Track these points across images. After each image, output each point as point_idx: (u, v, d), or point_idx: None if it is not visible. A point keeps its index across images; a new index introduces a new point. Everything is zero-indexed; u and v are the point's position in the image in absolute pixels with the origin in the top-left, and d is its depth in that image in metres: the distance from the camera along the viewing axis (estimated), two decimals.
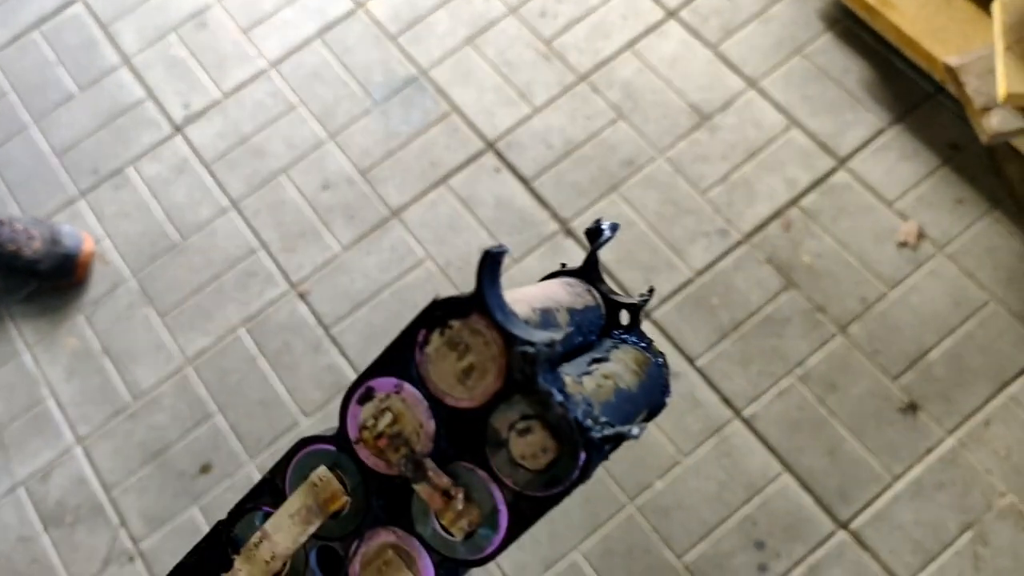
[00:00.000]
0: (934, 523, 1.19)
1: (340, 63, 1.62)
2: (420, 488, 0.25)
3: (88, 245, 1.50)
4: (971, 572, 1.16)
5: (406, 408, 0.25)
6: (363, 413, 0.26)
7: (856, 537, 1.19)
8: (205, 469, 1.34)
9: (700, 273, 1.36)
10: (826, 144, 1.43)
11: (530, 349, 0.24)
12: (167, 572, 0.29)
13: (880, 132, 1.43)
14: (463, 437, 0.25)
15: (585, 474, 0.23)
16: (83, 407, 1.41)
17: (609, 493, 1.25)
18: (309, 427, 1.34)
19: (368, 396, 0.26)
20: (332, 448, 0.26)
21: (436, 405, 0.25)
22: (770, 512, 1.22)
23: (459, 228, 1.45)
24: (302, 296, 1.44)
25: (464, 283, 1.41)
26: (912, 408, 1.25)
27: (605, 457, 0.24)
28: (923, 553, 1.18)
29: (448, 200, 1.48)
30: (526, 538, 1.11)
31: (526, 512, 0.24)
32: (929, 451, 1.23)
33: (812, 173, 1.41)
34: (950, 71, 1.27)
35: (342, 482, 0.26)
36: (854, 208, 1.38)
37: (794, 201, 1.40)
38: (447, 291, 1.41)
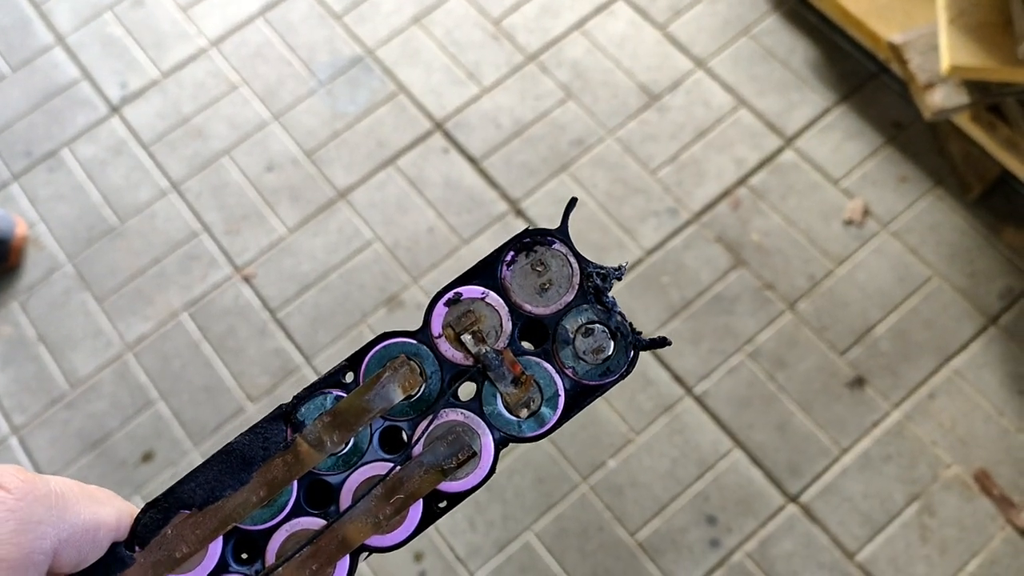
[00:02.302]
0: (881, 495, 1.21)
1: (283, 42, 1.59)
2: (495, 374, 0.31)
3: (21, 229, 1.44)
4: (918, 542, 1.18)
5: (489, 311, 0.31)
6: (448, 314, 0.31)
7: (806, 510, 1.20)
8: (147, 457, 1.30)
9: (650, 252, 1.36)
10: (773, 124, 1.44)
11: (602, 270, 0.32)
12: (215, 451, 0.30)
13: (826, 112, 1.44)
14: (534, 337, 0.32)
15: (631, 367, 0.31)
16: (18, 396, 1.36)
17: (562, 473, 1.24)
18: (256, 412, 1.31)
19: (456, 300, 0.31)
20: (413, 341, 0.31)
21: (515, 312, 0.31)
22: (722, 487, 1.22)
23: (407, 209, 1.43)
24: (247, 279, 1.41)
25: (413, 264, 1.39)
26: (859, 382, 1.27)
27: (634, 363, 0.32)
28: (871, 524, 1.19)
29: (396, 181, 1.45)
30: (480, 520, 1.10)
31: (580, 396, 0.31)
32: (876, 424, 1.24)
33: (760, 152, 1.42)
34: (894, 48, 1.28)
35: (420, 369, 0.31)
36: (801, 187, 1.39)
37: (742, 180, 1.40)
38: (396, 272, 1.39)
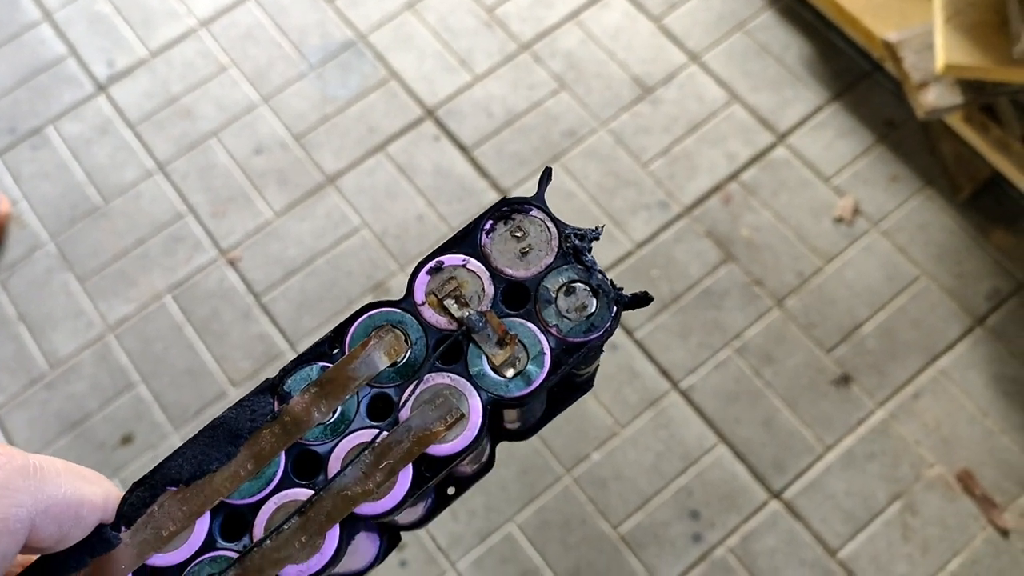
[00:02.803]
0: (865, 493, 1.21)
1: (275, 24, 1.57)
2: (479, 336, 0.31)
3: (3, 207, 1.42)
4: (900, 541, 1.18)
5: (471, 277, 0.32)
6: (431, 282, 0.32)
7: (789, 507, 1.20)
8: (127, 440, 1.28)
9: (640, 245, 1.36)
10: (766, 120, 1.43)
11: (580, 231, 0.33)
12: (206, 424, 0.30)
13: (819, 109, 1.44)
14: (517, 301, 0.32)
15: (615, 323, 0.31)
16: None
17: (546, 464, 1.24)
18: (238, 397, 1.30)
19: (438, 268, 0.32)
20: (397, 310, 0.32)
21: (496, 277, 0.32)
22: (705, 482, 1.22)
23: (396, 196, 1.42)
24: (232, 263, 1.39)
25: (401, 252, 1.38)
26: (845, 380, 1.27)
27: (618, 319, 0.32)
28: (853, 522, 1.19)
29: (386, 167, 1.44)
30: (462, 511, 1.09)
31: (566, 353, 0.31)
32: (861, 423, 1.24)
33: (752, 148, 1.42)
34: (888, 47, 1.28)
35: (405, 336, 0.31)
36: (792, 183, 1.39)
37: (734, 175, 1.40)
38: (383, 260, 1.38)
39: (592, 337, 0.31)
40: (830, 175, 1.39)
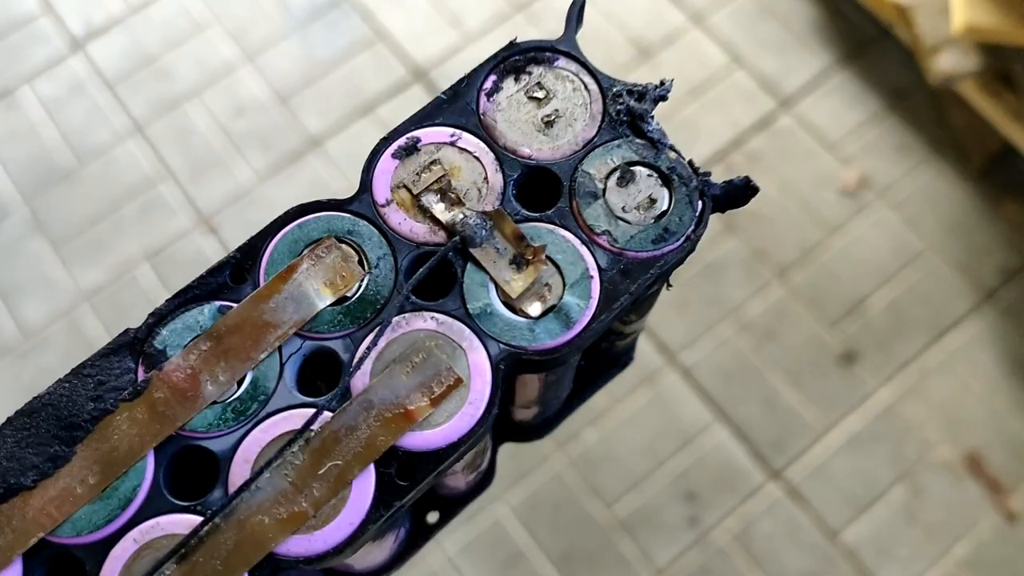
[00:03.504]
0: (867, 474, 1.16)
1: None
2: (483, 252, 0.18)
3: None
4: (904, 524, 1.14)
5: (464, 161, 0.19)
6: (400, 170, 0.20)
7: (789, 488, 1.16)
8: None
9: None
10: (771, 86, 1.38)
11: (637, 87, 0.20)
12: (20, 407, 0.19)
13: (825, 75, 1.38)
14: (541, 196, 0.19)
15: (700, 226, 0.19)
16: None
17: (535, 443, 1.19)
18: None
19: (411, 149, 0.20)
20: (345, 214, 0.19)
21: (505, 160, 0.19)
22: (703, 463, 1.17)
23: None
24: (212, 230, 1.33)
25: None
26: (849, 358, 1.22)
27: (705, 221, 0.19)
28: (856, 504, 1.15)
29: (373, 131, 1.38)
30: None
31: (627, 277, 0.18)
32: (865, 401, 1.20)
33: (755, 115, 1.36)
34: (901, 10, 1.22)
35: (360, 254, 0.19)
36: (797, 152, 1.33)
37: (737, 143, 1.34)
38: None
39: (667, 249, 0.19)
40: (836, 144, 1.33)
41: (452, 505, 0.25)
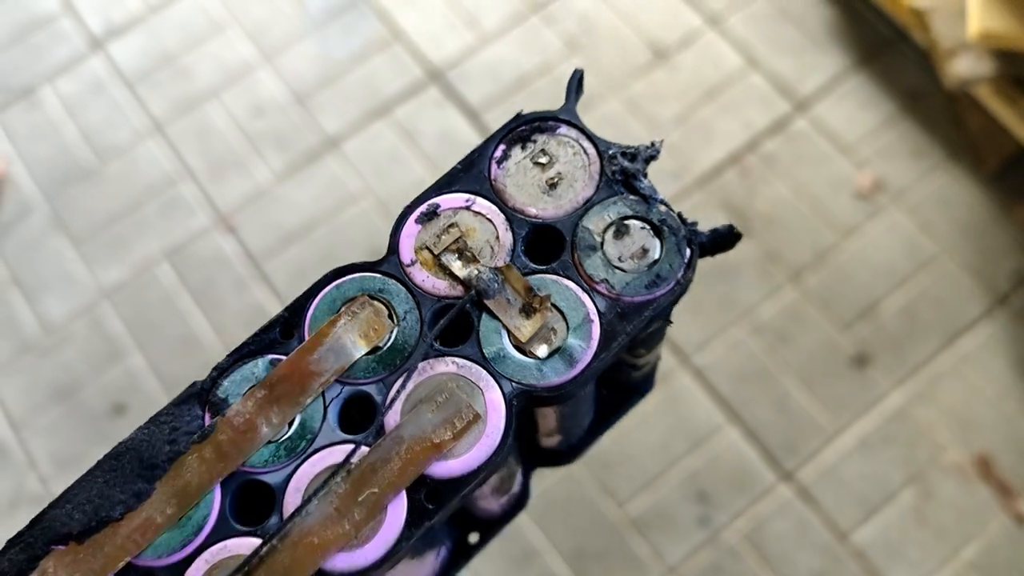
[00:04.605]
0: (879, 477, 1.17)
1: None
2: (495, 303, 0.22)
3: None
4: (914, 526, 1.15)
5: (478, 222, 0.22)
6: (423, 233, 0.23)
7: (800, 489, 1.17)
8: (119, 410, 1.25)
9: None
10: (786, 89, 1.38)
11: (630, 149, 0.23)
12: (109, 451, 0.21)
13: (840, 77, 1.38)
14: (546, 251, 0.22)
15: (689, 272, 0.21)
16: None
17: None
18: None
19: (432, 214, 0.23)
20: (376, 275, 0.23)
21: (514, 220, 0.23)
22: (714, 463, 1.19)
23: (400, 161, 1.37)
24: (230, 229, 1.35)
25: None
26: (861, 360, 1.22)
27: (694, 267, 0.22)
28: (866, 506, 1.16)
29: (389, 132, 1.39)
30: None
31: (622, 319, 0.22)
32: (877, 404, 1.20)
33: (770, 117, 1.36)
34: (917, 14, 1.22)
35: (389, 309, 0.22)
36: (811, 155, 1.34)
37: (751, 145, 1.35)
38: (386, 228, 1.33)
39: (659, 294, 0.22)
40: (850, 147, 1.34)
41: (491, 526, 0.27)
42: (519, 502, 0.26)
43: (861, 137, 1.34)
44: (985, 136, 1.29)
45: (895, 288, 1.26)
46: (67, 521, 0.20)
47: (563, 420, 0.25)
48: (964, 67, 1.16)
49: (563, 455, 0.27)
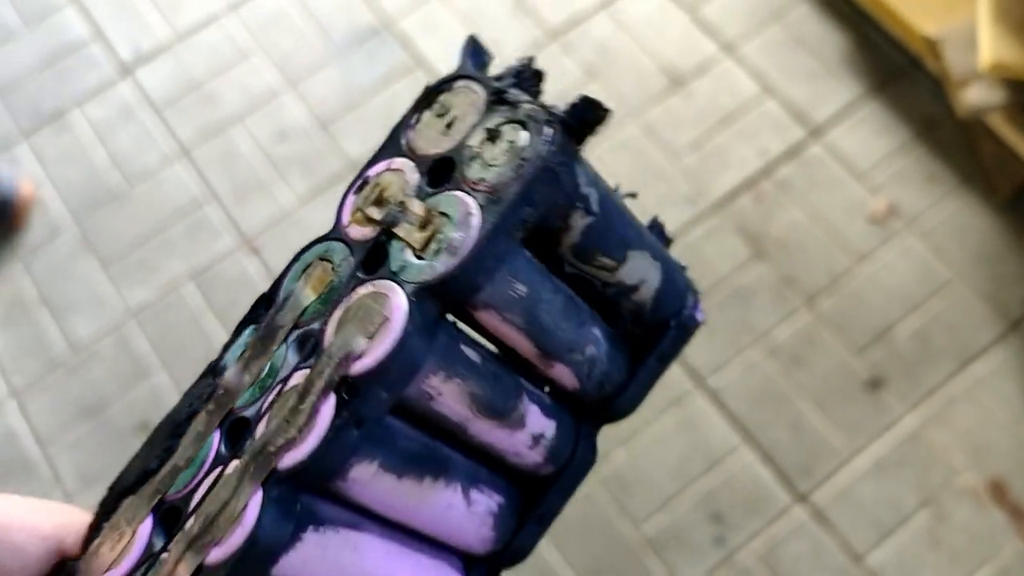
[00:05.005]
0: (893, 499, 1.18)
1: (301, 9, 1.55)
2: (400, 228, 0.25)
3: (26, 190, 1.42)
4: (928, 549, 1.15)
5: (394, 176, 0.26)
6: (357, 200, 0.27)
7: (815, 511, 1.18)
8: (144, 427, 1.28)
9: (669, 241, 1.33)
10: (801, 115, 1.40)
11: (504, 72, 0.26)
12: (159, 422, 0.27)
13: (855, 104, 1.40)
14: (445, 178, 0.26)
15: (554, 146, 0.23)
16: (18, 359, 1.34)
17: None
18: None
19: (363, 185, 0.27)
20: (322, 243, 0.27)
21: (419, 163, 0.26)
22: (730, 485, 1.20)
23: None
24: (254, 250, 1.38)
25: None
26: (876, 384, 1.24)
27: (559, 142, 0.23)
28: (880, 529, 1.17)
29: None
30: None
31: (496, 203, 0.24)
32: (891, 427, 1.22)
33: (785, 143, 1.38)
34: (930, 43, 1.24)
35: (332, 264, 0.26)
36: (826, 181, 1.36)
37: (766, 171, 1.37)
38: None
39: (525, 172, 0.24)
40: (865, 173, 1.36)
41: (540, 484, 0.30)
42: (574, 456, 0.29)
43: (875, 163, 1.36)
44: (998, 164, 1.31)
45: (909, 313, 1.28)
46: (127, 479, 0.26)
47: (536, 335, 0.27)
48: (976, 96, 1.18)
49: (613, 405, 0.29)
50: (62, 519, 0.26)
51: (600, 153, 1.39)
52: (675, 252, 1.28)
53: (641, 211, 1.18)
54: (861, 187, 1.35)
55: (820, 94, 1.41)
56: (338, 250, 0.26)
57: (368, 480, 0.24)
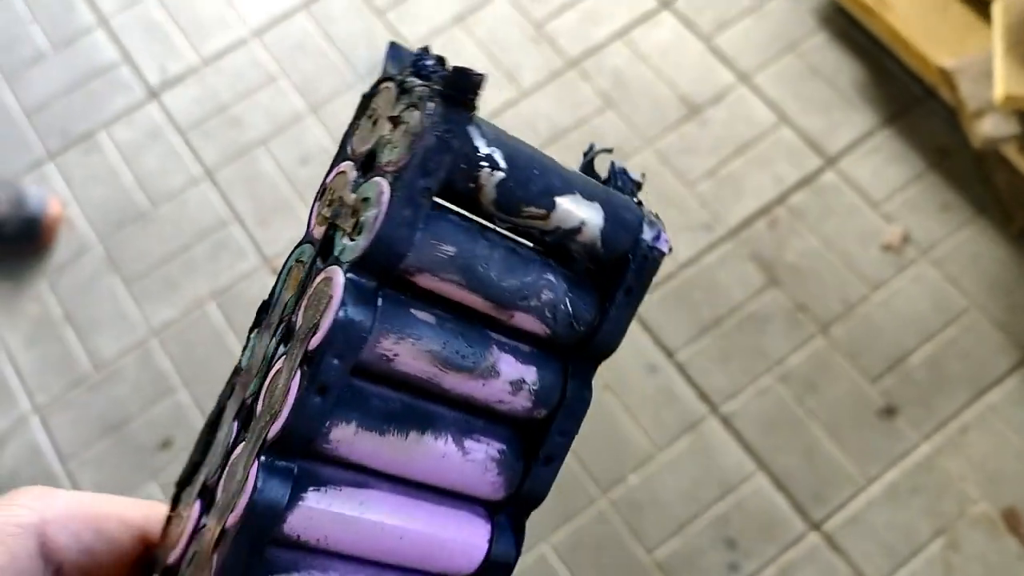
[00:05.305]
0: (907, 528, 1.18)
1: (325, 35, 1.58)
2: (340, 221, 0.27)
3: (54, 209, 1.45)
4: None
5: (341, 178, 0.28)
6: (320, 205, 0.29)
7: (828, 539, 1.18)
8: (166, 445, 1.30)
9: (684, 267, 1.34)
10: (815, 143, 1.42)
11: (390, 68, 0.28)
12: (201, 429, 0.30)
13: (870, 134, 1.41)
14: (369, 168, 0.28)
15: (434, 118, 0.25)
16: (42, 376, 1.36)
17: (581, 485, 1.23)
18: None
19: (322, 192, 0.29)
20: (298, 248, 0.29)
21: (357, 161, 0.28)
22: (743, 511, 1.20)
23: None
24: (276, 271, 1.40)
25: None
26: (890, 412, 1.24)
27: (440, 114, 0.25)
28: (894, 557, 1.17)
29: None
30: None
31: (398, 178, 0.26)
32: (905, 455, 1.22)
33: (800, 171, 1.40)
34: (945, 74, 1.26)
35: (304, 265, 0.29)
36: (840, 209, 1.37)
37: (781, 199, 1.38)
38: None
39: (417, 145, 0.26)
40: (879, 201, 1.37)
41: (539, 427, 0.31)
42: (564, 396, 0.30)
43: (890, 192, 1.37)
44: (1013, 194, 1.32)
45: (923, 341, 1.28)
46: (185, 472, 0.29)
47: (479, 290, 0.28)
48: (991, 127, 1.19)
49: (591, 343, 0.30)
50: (147, 512, 0.29)
51: None
52: (689, 278, 1.30)
53: None
54: (876, 215, 1.36)
55: (835, 123, 1.43)
56: (307, 251, 0.29)
57: (352, 440, 0.27)
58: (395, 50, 0.29)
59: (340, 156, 0.29)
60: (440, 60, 0.28)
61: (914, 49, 1.34)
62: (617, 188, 0.31)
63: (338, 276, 0.26)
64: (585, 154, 0.31)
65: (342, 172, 0.28)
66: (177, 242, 1.44)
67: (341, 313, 0.25)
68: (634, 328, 1.31)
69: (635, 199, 0.32)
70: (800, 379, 1.27)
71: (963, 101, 1.23)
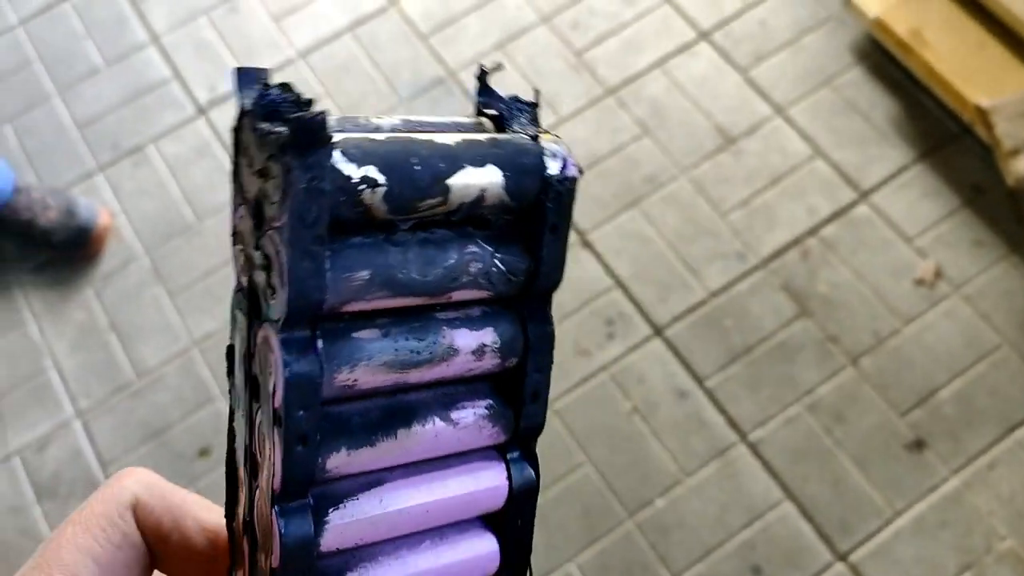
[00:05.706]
0: (933, 561, 1.19)
1: (369, 59, 1.62)
2: (255, 275, 0.27)
3: (104, 219, 1.49)
4: None
5: (242, 222, 0.27)
6: (235, 250, 0.28)
7: (854, 569, 1.19)
8: (204, 453, 1.33)
9: (715, 295, 1.36)
10: (849, 176, 1.43)
11: (246, 103, 0.25)
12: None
13: (904, 169, 1.43)
14: (260, 218, 0.26)
15: (292, 169, 0.24)
16: (85, 381, 1.40)
17: (609, 508, 1.24)
18: None
19: (235, 233, 0.28)
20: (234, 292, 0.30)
21: (249, 207, 0.27)
22: (770, 538, 1.21)
23: None
24: None
25: None
26: (919, 445, 1.25)
27: (288, 154, 0.24)
28: None
29: None
30: None
31: (287, 237, 0.25)
32: (933, 489, 1.22)
33: (834, 204, 1.41)
34: (981, 112, 1.27)
35: (241, 312, 0.29)
36: (873, 242, 1.38)
37: (814, 230, 1.40)
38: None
39: (288, 199, 0.24)
40: (912, 236, 1.38)
41: (516, 373, 0.31)
42: (528, 339, 0.30)
43: (923, 227, 1.38)
44: None
45: (954, 376, 1.29)
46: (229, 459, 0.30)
47: (409, 293, 0.29)
48: None
49: (534, 288, 0.30)
50: (221, 514, 0.31)
51: (648, 207, 1.43)
52: (721, 306, 1.32)
53: (687, 264, 1.24)
54: (908, 249, 1.37)
55: (869, 157, 1.44)
56: (239, 301, 0.29)
57: (348, 461, 0.27)
58: (244, 76, 0.27)
59: (236, 193, 0.28)
60: (285, 88, 0.26)
61: (950, 86, 1.35)
62: (515, 117, 0.30)
63: (273, 339, 0.26)
64: (477, 77, 0.29)
65: (242, 217, 0.28)
66: (221, 256, 1.47)
67: (287, 373, 0.26)
68: (664, 354, 1.33)
69: (531, 125, 0.30)
70: (829, 409, 1.28)
71: (999, 139, 1.24)
